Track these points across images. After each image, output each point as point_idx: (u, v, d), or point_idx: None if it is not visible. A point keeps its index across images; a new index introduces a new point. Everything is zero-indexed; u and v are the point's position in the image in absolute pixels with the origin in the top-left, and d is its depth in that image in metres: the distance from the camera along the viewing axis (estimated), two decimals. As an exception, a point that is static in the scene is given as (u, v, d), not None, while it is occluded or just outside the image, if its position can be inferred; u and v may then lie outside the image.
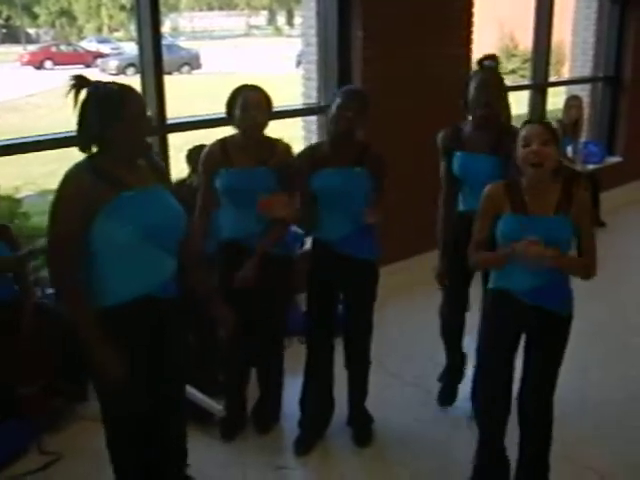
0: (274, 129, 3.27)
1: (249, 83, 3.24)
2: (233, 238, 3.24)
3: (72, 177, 2.38)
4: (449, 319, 3.67)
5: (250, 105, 3.12)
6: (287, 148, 3.30)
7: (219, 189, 3.22)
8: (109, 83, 2.42)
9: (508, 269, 2.77)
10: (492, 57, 3.40)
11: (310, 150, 3.36)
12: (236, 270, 3.19)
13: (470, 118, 3.39)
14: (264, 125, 3.19)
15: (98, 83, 2.41)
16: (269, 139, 3.26)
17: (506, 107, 3.37)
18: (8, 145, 3.84)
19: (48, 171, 9.36)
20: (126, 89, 2.40)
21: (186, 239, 2.62)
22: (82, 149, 2.44)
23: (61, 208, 2.38)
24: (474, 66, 3.44)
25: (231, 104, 3.18)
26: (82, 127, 2.40)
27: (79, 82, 2.39)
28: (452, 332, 3.70)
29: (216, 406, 3.51)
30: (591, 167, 7.13)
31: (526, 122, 2.75)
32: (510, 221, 2.73)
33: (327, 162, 3.19)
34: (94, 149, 2.43)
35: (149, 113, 2.52)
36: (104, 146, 2.41)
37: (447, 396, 3.76)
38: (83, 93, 2.39)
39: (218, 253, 3.28)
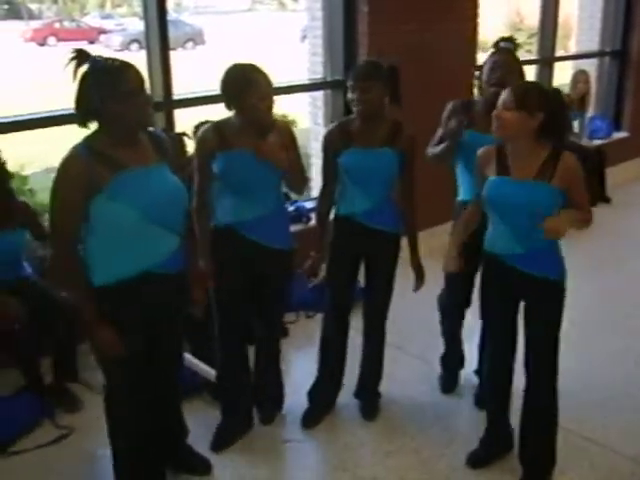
0: (281, 104, 3.22)
1: None
2: (230, 223, 3.08)
3: (69, 160, 2.39)
4: (450, 308, 3.63)
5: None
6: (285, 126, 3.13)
7: (216, 173, 3.02)
8: (109, 58, 2.40)
9: (494, 235, 2.80)
10: (509, 39, 3.40)
11: (338, 127, 3.25)
12: (226, 258, 3.08)
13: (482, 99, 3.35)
14: None
15: (98, 57, 2.39)
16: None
17: None
18: (14, 122, 3.83)
19: (48, 149, 9.35)
20: (125, 65, 2.39)
21: (186, 216, 2.67)
22: (80, 125, 2.45)
23: (60, 192, 2.41)
24: (485, 42, 3.40)
25: None
26: (80, 102, 2.40)
27: (79, 56, 2.38)
28: (452, 323, 3.67)
29: (210, 371, 3.52)
30: (597, 142, 7.11)
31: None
32: (492, 184, 2.76)
33: (356, 140, 3.16)
34: (92, 125, 2.44)
35: (148, 90, 2.49)
36: (102, 122, 2.42)
37: (449, 383, 3.77)
38: (83, 68, 2.38)
39: (213, 238, 3.14)
